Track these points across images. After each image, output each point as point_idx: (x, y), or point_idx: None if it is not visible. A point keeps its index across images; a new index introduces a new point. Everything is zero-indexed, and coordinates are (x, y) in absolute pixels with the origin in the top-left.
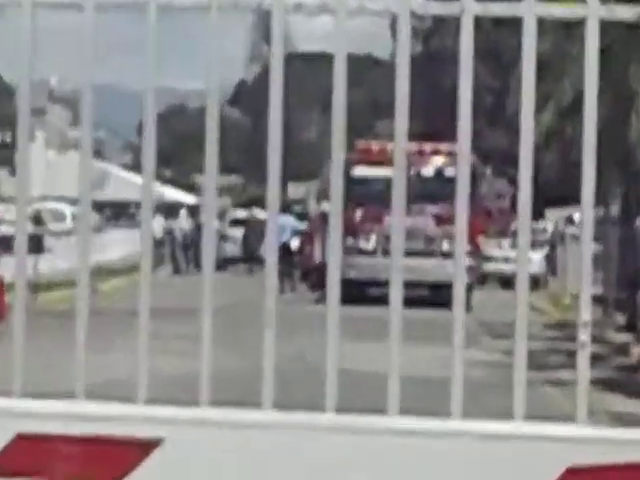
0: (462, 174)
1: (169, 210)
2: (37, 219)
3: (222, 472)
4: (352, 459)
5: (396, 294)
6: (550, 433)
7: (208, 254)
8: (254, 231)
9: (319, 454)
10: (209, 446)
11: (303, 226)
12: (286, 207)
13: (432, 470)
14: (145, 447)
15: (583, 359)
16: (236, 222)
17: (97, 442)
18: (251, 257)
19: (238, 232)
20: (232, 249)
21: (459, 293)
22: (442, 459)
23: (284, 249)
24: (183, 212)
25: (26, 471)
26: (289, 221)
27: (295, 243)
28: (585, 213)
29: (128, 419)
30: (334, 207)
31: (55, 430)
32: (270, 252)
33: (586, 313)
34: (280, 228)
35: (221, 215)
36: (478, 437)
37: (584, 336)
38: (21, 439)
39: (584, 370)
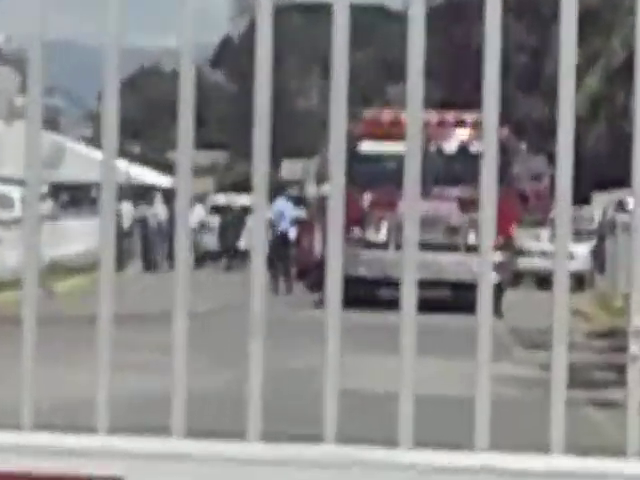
0: (489, 149)
1: (140, 195)
2: None
3: None
4: None
5: (409, 295)
6: (594, 469)
7: (181, 248)
8: (232, 221)
9: None
10: None
11: (301, 213)
12: (279, 190)
13: None
14: None
15: (634, 375)
16: (218, 209)
17: None
18: (229, 251)
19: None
20: (212, 241)
21: (486, 295)
22: None
23: (280, 240)
24: (158, 197)
25: None
26: (287, 208)
27: (293, 234)
28: (638, 197)
29: (84, 452)
30: (335, 190)
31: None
32: (257, 246)
33: (638, 318)
34: (276, 216)
35: (202, 200)
36: (507, 474)
37: (635, 347)
38: None
39: (635, 389)
